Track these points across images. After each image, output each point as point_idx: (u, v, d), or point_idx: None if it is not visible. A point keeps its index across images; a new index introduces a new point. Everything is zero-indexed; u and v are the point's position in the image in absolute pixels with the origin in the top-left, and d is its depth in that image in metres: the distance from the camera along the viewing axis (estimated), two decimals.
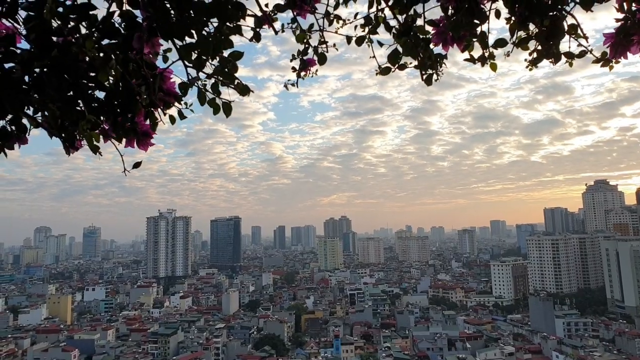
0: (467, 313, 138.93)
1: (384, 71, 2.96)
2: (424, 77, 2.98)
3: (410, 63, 3.01)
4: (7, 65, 2.38)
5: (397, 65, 2.94)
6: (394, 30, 2.85)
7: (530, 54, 2.75)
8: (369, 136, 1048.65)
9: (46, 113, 2.53)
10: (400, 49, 2.84)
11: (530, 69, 2.90)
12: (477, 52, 2.98)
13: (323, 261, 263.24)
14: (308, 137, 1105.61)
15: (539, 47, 2.75)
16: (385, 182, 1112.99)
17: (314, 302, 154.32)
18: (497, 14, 2.66)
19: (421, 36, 2.80)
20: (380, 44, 2.93)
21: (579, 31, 2.57)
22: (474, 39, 2.87)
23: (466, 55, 2.96)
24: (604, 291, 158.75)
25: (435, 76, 2.99)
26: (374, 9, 2.95)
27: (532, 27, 2.70)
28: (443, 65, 2.93)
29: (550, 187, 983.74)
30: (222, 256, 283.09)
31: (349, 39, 3.08)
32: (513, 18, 2.68)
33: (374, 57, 2.94)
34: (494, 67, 2.96)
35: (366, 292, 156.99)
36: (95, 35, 2.36)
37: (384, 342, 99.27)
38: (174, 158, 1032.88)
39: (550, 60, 2.70)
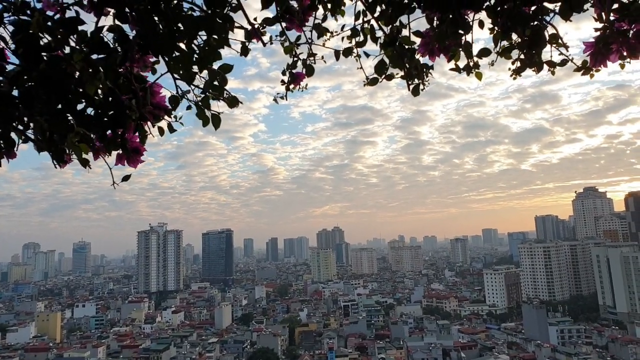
0: (461, 322, 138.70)
1: (371, 82, 3.01)
2: (411, 87, 3.02)
3: (398, 74, 3.06)
4: None
5: (384, 76, 2.99)
6: (380, 41, 2.89)
7: (513, 63, 2.81)
8: (360, 146, 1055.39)
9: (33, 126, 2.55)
10: (386, 60, 2.88)
11: (515, 78, 2.96)
12: (462, 61, 3.05)
13: (316, 273, 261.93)
14: (299, 148, 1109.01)
15: (522, 56, 2.81)
16: (377, 192, 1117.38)
17: (308, 315, 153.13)
18: (481, 25, 2.72)
19: (407, 46, 2.85)
20: (367, 55, 2.98)
21: (560, 40, 2.63)
22: (459, 49, 2.93)
23: (453, 65, 3.02)
24: (596, 298, 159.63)
25: (421, 86, 3.04)
26: (360, 21, 3.00)
27: (515, 36, 2.76)
28: (429, 75, 2.98)
29: (540, 195, 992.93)
30: (214, 270, 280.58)
31: (337, 53, 3.12)
32: (496, 28, 2.74)
33: (361, 68, 2.99)
34: (479, 76, 3.01)
35: (360, 303, 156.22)
36: (84, 49, 2.36)
37: (378, 353, 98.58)
38: (165, 171, 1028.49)
39: (533, 69, 2.76)
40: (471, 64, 2.95)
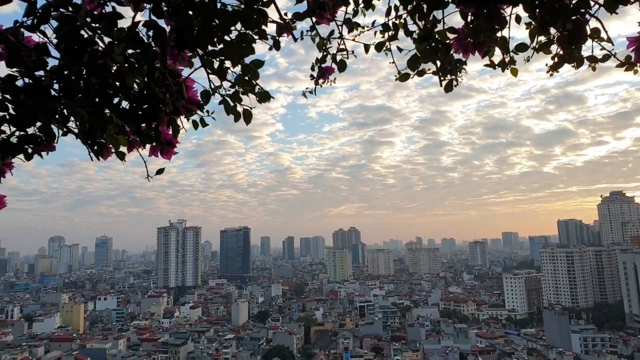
0: (480, 326, 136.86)
1: (403, 77, 2.98)
2: (444, 83, 2.98)
3: (429, 69, 3.02)
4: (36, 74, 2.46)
5: (416, 71, 2.95)
6: (414, 36, 2.86)
7: (552, 59, 2.73)
8: (377, 147, 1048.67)
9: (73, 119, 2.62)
10: (420, 55, 2.84)
11: (552, 74, 2.88)
12: (494, 58, 2.99)
13: (332, 272, 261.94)
14: (316, 147, 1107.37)
15: (561, 52, 2.74)
16: (395, 193, 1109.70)
17: (324, 314, 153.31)
18: (518, 19, 2.66)
19: (442, 41, 2.79)
20: (400, 50, 2.94)
21: (605, 34, 2.55)
22: (494, 45, 2.87)
23: (478, 63, 2.97)
24: (622, 305, 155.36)
25: (455, 82, 2.99)
26: (392, 16, 2.97)
27: (552, 31, 2.69)
28: (463, 71, 2.93)
29: (563, 198, 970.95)
30: (231, 266, 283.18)
31: (366, 47, 3.10)
32: (533, 23, 2.68)
33: (393, 62, 2.96)
34: (514, 72, 2.96)
35: (376, 304, 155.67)
36: (122, 44, 2.40)
37: (394, 355, 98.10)
38: (184, 169, 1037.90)
39: (573, 64, 2.68)
40: (507, 59, 2.89)
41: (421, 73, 2.96)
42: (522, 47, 2.76)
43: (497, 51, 2.95)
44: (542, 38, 2.74)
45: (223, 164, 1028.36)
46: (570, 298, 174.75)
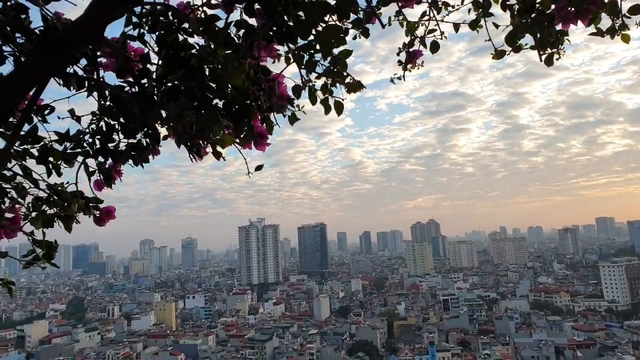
0: (575, 319, 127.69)
1: (499, 54, 2.82)
2: (544, 57, 2.77)
3: (526, 44, 2.83)
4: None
5: (512, 47, 2.78)
6: (513, 9, 2.67)
7: None
8: (452, 135, 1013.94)
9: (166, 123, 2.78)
10: (518, 29, 2.67)
11: None
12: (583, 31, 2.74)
13: (412, 266, 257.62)
14: (387, 140, 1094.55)
15: None
16: (474, 182, 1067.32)
17: (406, 308, 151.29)
18: None
19: (544, 12, 2.57)
20: (497, 26, 2.78)
21: None
22: (601, 10, 2.63)
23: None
24: None
25: (556, 56, 2.77)
26: None
27: None
28: (566, 41, 2.71)
29: None
30: (310, 262, 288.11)
31: (456, 26, 2.98)
32: None
33: (489, 40, 2.80)
34: (626, 39, 2.68)
35: (460, 297, 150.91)
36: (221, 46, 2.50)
37: (483, 349, 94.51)
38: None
39: None
40: (617, 25, 2.63)
41: (518, 49, 2.78)
42: (635, 10, 2.48)
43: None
44: None
45: (296, 162, 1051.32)
46: None
